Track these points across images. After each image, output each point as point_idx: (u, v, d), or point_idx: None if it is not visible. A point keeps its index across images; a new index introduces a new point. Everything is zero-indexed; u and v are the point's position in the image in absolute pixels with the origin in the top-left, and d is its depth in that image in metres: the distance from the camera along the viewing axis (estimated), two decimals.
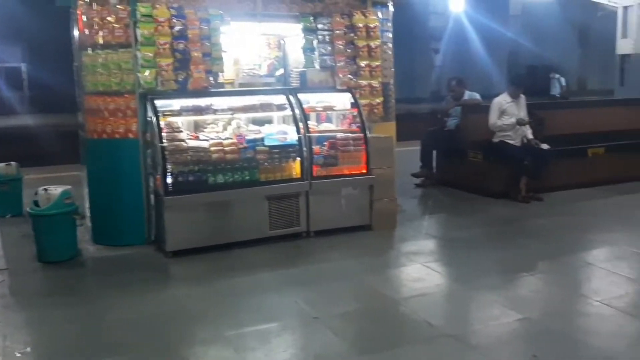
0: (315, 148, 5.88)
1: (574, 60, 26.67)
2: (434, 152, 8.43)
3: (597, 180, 7.95)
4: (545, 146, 7.35)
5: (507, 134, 7.32)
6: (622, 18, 17.31)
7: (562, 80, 19.95)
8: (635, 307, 4.19)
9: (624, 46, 17.52)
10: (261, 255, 5.36)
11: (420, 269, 4.97)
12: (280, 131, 5.84)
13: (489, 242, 5.83)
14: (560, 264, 5.15)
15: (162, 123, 5.32)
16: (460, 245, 5.72)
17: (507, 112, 7.29)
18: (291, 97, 5.88)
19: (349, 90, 6.20)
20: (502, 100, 7.36)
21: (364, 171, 6.00)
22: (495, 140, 7.42)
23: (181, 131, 5.55)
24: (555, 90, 19.47)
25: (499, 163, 7.40)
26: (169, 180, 5.24)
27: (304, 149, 5.72)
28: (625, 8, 17.05)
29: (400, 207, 6.63)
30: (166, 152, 5.24)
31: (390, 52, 6.63)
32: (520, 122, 7.27)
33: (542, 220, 6.58)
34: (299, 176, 5.73)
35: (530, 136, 7.39)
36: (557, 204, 7.19)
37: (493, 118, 7.34)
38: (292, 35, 6.52)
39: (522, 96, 7.46)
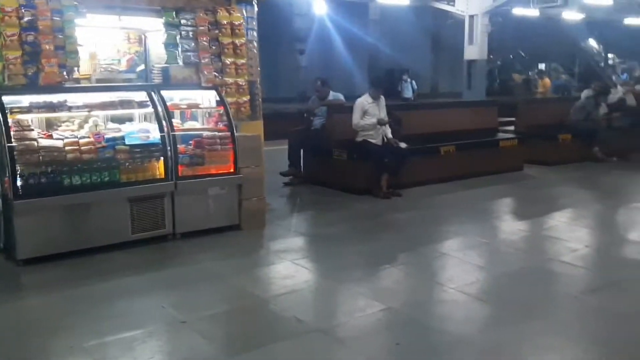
0: (181, 147, 5.71)
1: (427, 64, 28.43)
2: (302, 151, 8.57)
3: (449, 176, 8.55)
4: (403, 145, 7.77)
5: (369, 134, 7.63)
6: (469, 26, 18.78)
7: (414, 83, 21.20)
8: (485, 293, 4.57)
9: (470, 52, 19.04)
10: (123, 260, 5.12)
11: (289, 267, 5.02)
12: (142, 129, 5.61)
13: (353, 237, 6.04)
14: (418, 255, 5.48)
15: (9, 121, 4.88)
16: (327, 241, 5.87)
17: (369, 113, 7.61)
18: (153, 94, 5.67)
19: (214, 87, 6.11)
20: (364, 101, 7.66)
21: (232, 170, 5.94)
22: (358, 139, 7.71)
23: (32, 129, 5.13)
24: (409, 93, 20.61)
25: (361, 161, 7.70)
26: (18, 182, 4.83)
27: (168, 148, 5.54)
28: (472, 17, 18.54)
29: (269, 206, 6.66)
30: (15, 153, 4.82)
31: (255, 51, 6.62)
32: (380, 122, 7.61)
33: (402, 214, 6.95)
34: (163, 176, 5.54)
35: (390, 135, 7.77)
36: (415, 199, 7.63)
37: (356, 118, 7.61)
38: (153, 30, 6.30)
39: (382, 97, 7.83)
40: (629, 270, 5.08)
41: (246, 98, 6.46)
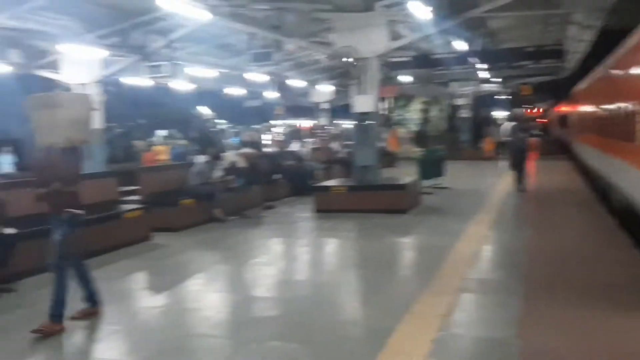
0: None
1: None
2: None
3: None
4: (10, 230, 6.60)
5: None
6: None
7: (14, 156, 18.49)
8: None
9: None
10: None
11: None
12: None
13: None
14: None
15: None
16: None
17: None
18: None
19: None
20: None
21: None
22: None
23: None
24: (7, 167, 17.54)
25: None
26: None
27: None
28: (83, 85, 17.64)
29: None
30: None
31: None
32: None
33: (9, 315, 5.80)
34: None
35: None
36: (31, 292, 6.46)
37: None
38: None
39: None
40: (258, 328, 5.13)
41: None
